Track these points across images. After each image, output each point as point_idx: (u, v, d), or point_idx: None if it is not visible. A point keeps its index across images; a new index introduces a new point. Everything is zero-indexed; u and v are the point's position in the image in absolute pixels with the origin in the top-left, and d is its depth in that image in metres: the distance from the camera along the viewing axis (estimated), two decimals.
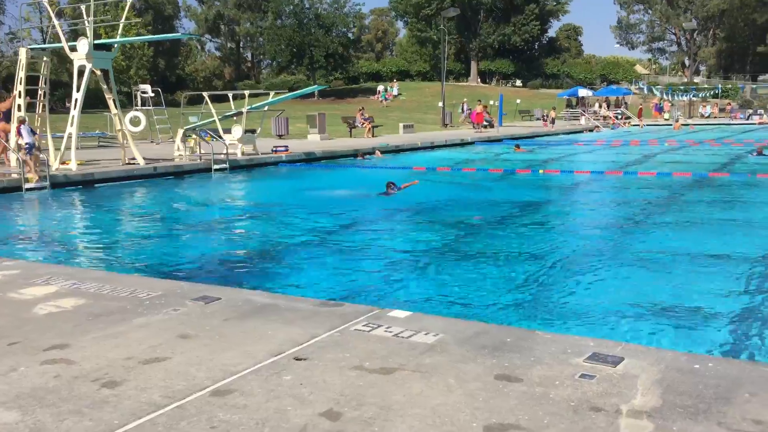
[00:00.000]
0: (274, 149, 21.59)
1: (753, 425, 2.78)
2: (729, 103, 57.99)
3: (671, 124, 44.13)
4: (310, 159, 21.71)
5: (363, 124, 32.60)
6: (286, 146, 22.02)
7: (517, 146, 25.53)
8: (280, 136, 29.84)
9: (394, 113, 48.91)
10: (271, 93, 23.07)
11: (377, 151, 24.00)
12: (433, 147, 27.26)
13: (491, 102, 46.46)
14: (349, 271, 7.27)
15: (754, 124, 45.34)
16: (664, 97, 55.26)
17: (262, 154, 20.97)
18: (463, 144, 29.03)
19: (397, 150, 25.40)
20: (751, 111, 52.00)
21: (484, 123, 40.81)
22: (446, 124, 41.90)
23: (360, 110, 34.20)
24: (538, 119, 46.38)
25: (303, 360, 3.63)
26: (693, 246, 8.28)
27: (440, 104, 42.46)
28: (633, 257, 7.71)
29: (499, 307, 5.93)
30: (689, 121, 49.47)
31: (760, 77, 75.30)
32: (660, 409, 2.94)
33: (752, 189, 13.79)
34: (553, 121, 40.81)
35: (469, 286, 6.68)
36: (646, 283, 6.58)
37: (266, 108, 22.60)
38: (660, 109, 53.27)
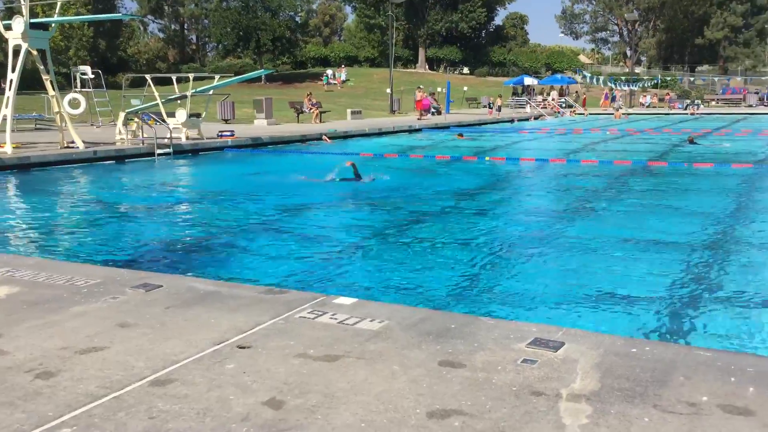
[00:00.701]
0: (220, 134, 21.27)
1: (687, 407, 2.86)
2: (668, 93, 59.61)
3: (613, 113, 45.06)
4: (257, 144, 21.46)
5: (311, 109, 32.35)
6: (232, 131, 21.72)
7: (460, 134, 25.70)
8: (226, 121, 29.40)
9: (342, 99, 48.72)
10: (216, 77, 22.66)
11: (324, 137, 23.88)
12: (381, 133, 27.25)
13: (438, 89, 46.68)
14: (295, 257, 7.21)
15: (697, 114, 46.72)
16: (615, 86, 56.38)
17: (207, 138, 20.63)
18: (411, 131, 29.11)
19: (345, 136, 25.32)
20: (688, 101, 53.53)
21: (432, 110, 41.02)
22: (394, 111, 41.89)
23: (308, 95, 33.91)
24: (485, 107, 46.80)
25: (246, 348, 3.59)
26: (632, 232, 8.48)
27: (388, 91, 42.42)
28: (574, 243, 7.85)
29: (443, 293, 5.97)
30: (630, 111, 50.65)
31: (698, 68, 77.62)
32: (598, 393, 3.00)
33: (687, 177, 14.20)
34: (499, 109, 41.24)
35: (415, 272, 6.71)
36: (587, 269, 6.72)
37: (211, 92, 22.22)
38: (612, 99, 54.40)
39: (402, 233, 8.65)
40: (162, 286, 4.73)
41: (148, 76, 21.00)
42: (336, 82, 59.79)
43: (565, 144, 23.12)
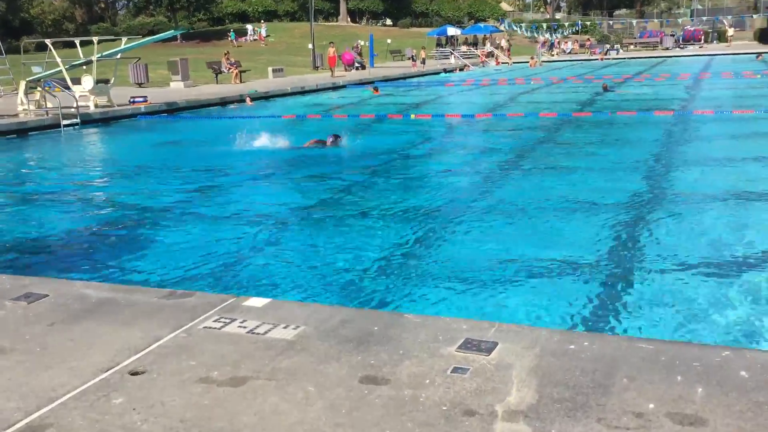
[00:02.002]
0: (132, 100, 20.12)
1: (633, 419, 2.58)
2: (588, 39, 60.23)
3: (563, 60, 45.16)
4: (173, 110, 20.43)
5: (230, 69, 31.15)
6: (145, 97, 20.57)
7: (376, 89, 25.13)
8: (139, 85, 27.97)
9: (263, 56, 47.22)
10: (124, 39, 21.32)
11: (248, 98, 23.00)
12: (303, 92, 26.46)
13: (361, 42, 45.78)
14: (204, 246, 6.55)
15: (609, 59, 47.34)
16: (553, 36, 56.64)
17: (118, 106, 19.48)
18: (335, 88, 28.40)
19: (267, 96, 24.43)
20: (608, 46, 54.23)
21: (356, 64, 40.22)
22: (317, 67, 40.89)
23: (225, 55, 32.59)
24: (409, 59, 46.21)
25: (139, 374, 3.12)
26: (562, 192, 8.28)
27: (310, 46, 41.31)
28: (502, 212, 7.54)
29: (362, 277, 5.60)
30: (553, 58, 50.99)
31: (616, 12, 78.70)
32: (537, 407, 2.69)
33: (613, 127, 14.18)
34: (423, 62, 40.76)
35: (333, 254, 6.28)
36: (516, 242, 6.41)
37: (119, 56, 20.90)
38: (550, 46, 54.68)
39: (324, 209, 8.18)
40: (48, 295, 4.17)
41: (48, 41, 19.55)
42: (259, 38, 57.99)
43: (490, 97, 22.92)
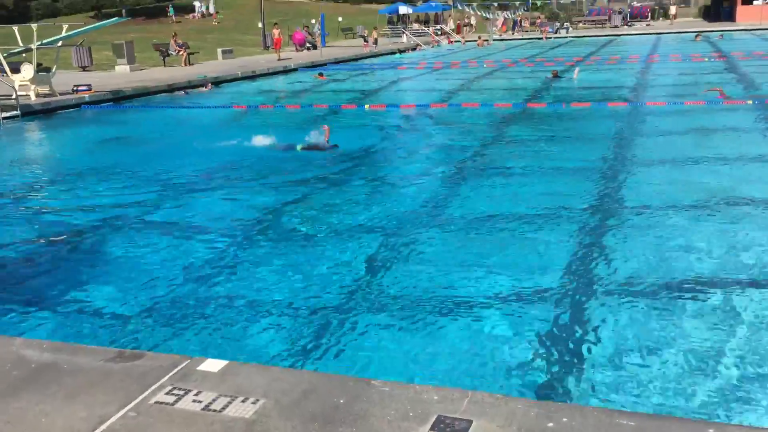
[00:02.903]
0: (75, 89, 19.34)
1: None
2: (539, 17, 60.42)
3: (514, 39, 45.10)
4: (119, 98, 19.71)
5: (178, 51, 30.27)
6: (89, 85, 19.79)
7: (320, 74, 24.62)
8: (83, 68, 27.03)
9: (212, 35, 46.13)
10: (65, 26, 20.36)
11: (209, 84, 22.46)
12: (254, 76, 25.84)
13: (312, 21, 45.01)
14: (161, 276, 6.23)
15: (560, 37, 47.57)
16: (512, 14, 56.63)
17: (60, 95, 18.70)
18: (287, 71, 27.81)
19: (217, 82, 23.75)
20: (558, 24, 54.49)
21: (307, 45, 39.53)
22: (268, 47, 40.06)
23: (174, 36, 31.63)
24: (360, 36, 45.61)
25: None
26: (524, 201, 8.16)
27: (260, 24, 40.40)
28: (461, 227, 7.37)
29: (318, 310, 5.39)
30: (505, 37, 50.99)
31: None
32: None
33: (568, 121, 14.14)
34: (375, 42, 40.26)
35: (285, 282, 6.04)
36: (480, 264, 6.26)
37: (60, 43, 20.00)
38: (513, 25, 54.72)
39: (278, 223, 7.90)
40: None
41: None
42: (211, 16, 56.66)
43: (444, 82, 22.71)
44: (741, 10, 51.28)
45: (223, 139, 12.57)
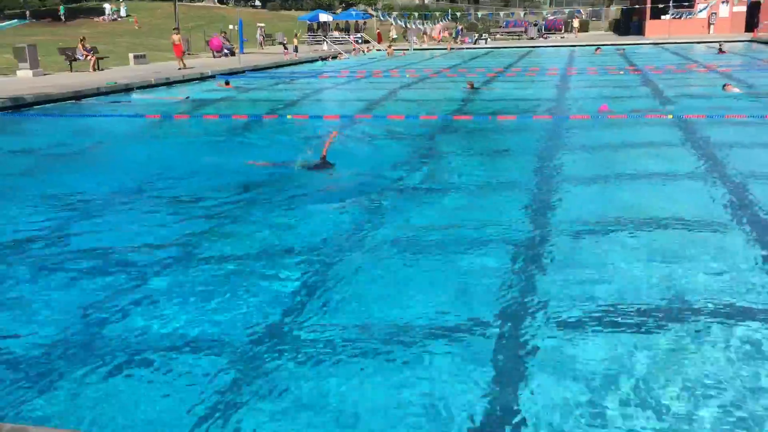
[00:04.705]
0: None
1: None
2: (447, 29, 61.16)
3: (433, 48, 45.15)
4: (19, 106, 18.40)
5: (86, 56, 28.82)
6: None
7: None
8: None
9: (123, 39, 44.41)
10: None
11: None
12: (169, 83, 24.80)
13: (230, 27, 44.00)
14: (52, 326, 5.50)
15: (481, 47, 48.21)
16: (428, 24, 57.00)
17: None
18: (203, 78, 26.84)
19: (128, 89, 22.62)
20: (477, 35, 55.31)
21: (225, 51, 38.53)
22: (184, 52, 38.81)
23: (81, 40, 30.11)
24: (280, 43, 44.89)
25: None
26: (451, 221, 7.83)
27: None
28: (380, 249, 6.97)
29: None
30: (424, 46, 51.29)
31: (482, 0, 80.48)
32: None
33: (492, 134, 14.01)
34: (296, 49, 39.64)
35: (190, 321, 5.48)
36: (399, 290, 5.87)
37: None
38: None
39: (190, 248, 7.27)
40: None
41: None
42: (133, 19, 54.69)
43: (367, 92, 22.37)
44: (650, 24, 53.40)
45: (131, 152, 11.76)
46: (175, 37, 30.11)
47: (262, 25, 48.85)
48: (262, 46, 42.53)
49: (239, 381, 4.45)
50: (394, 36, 53.98)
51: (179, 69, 28.15)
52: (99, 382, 4.48)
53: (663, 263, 6.32)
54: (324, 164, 10.21)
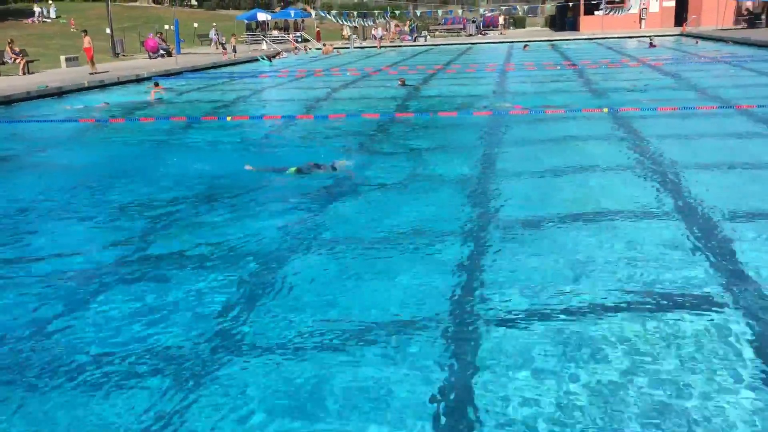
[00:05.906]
0: None
1: None
2: (397, 25, 61.31)
3: (371, 47, 45.03)
4: None
5: (14, 59, 27.83)
6: None
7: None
8: None
9: (54, 41, 43.04)
10: None
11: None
12: (103, 86, 24.16)
13: (166, 27, 43.12)
14: None
15: (420, 45, 48.45)
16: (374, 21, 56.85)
17: None
18: (138, 80, 26.22)
19: (60, 92, 21.93)
20: (417, 33, 55.62)
21: (161, 51, 37.75)
22: (118, 54, 37.98)
23: (9, 43, 29.04)
24: (220, 43, 44.16)
25: None
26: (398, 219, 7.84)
27: (108, 30, 38.18)
28: (331, 250, 6.95)
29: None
30: (364, 44, 51.25)
31: None
32: None
33: (434, 131, 14.08)
34: (234, 49, 39.09)
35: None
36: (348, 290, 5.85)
37: None
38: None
39: (131, 262, 7.10)
40: None
41: None
42: (66, 20, 52.96)
43: (308, 91, 22.23)
44: (584, 20, 54.60)
45: (65, 158, 11.42)
46: (85, 40, 27.77)
47: (215, 24, 48.15)
48: (217, 47, 41.64)
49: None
50: (353, 35, 53.82)
51: (90, 74, 26.33)
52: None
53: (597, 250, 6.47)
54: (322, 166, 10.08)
